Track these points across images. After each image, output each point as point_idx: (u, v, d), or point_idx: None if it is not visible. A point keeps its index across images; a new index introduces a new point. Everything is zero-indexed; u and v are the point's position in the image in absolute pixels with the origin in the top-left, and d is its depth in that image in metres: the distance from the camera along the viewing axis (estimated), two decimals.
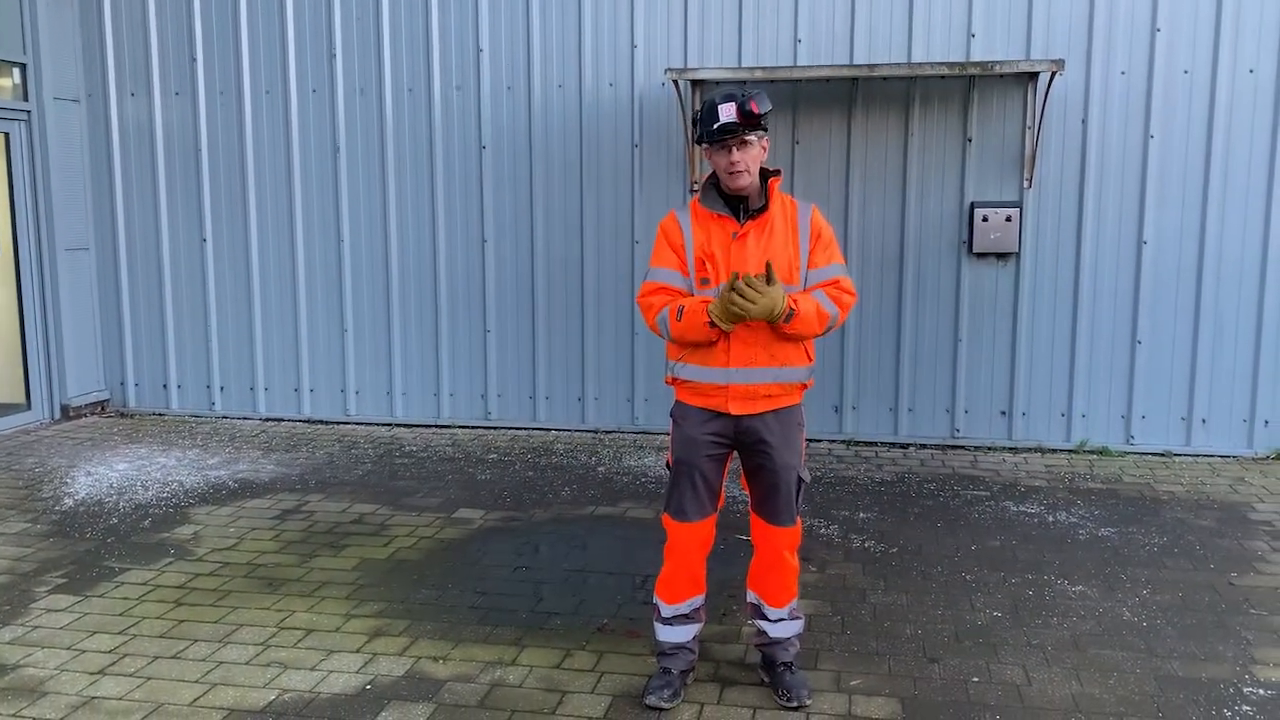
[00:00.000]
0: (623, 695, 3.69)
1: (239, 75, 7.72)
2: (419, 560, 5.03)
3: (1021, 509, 5.79)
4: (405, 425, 7.75)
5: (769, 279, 3.37)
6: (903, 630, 4.21)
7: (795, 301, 3.46)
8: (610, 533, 5.44)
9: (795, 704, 3.59)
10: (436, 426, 7.71)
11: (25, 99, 7.65)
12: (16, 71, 7.64)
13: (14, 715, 3.55)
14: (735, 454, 3.68)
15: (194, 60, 7.78)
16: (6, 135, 7.58)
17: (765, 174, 3.61)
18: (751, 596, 3.80)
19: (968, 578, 4.78)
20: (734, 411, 3.54)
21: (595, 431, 7.52)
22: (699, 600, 3.76)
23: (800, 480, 3.62)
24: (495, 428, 7.65)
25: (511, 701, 3.66)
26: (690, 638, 3.74)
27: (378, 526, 5.51)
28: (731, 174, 3.51)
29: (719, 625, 4.26)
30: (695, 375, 3.59)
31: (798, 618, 3.78)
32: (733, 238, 3.55)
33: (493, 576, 4.83)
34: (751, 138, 3.48)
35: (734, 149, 3.47)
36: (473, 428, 7.67)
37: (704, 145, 3.56)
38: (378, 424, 7.79)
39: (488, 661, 3.95)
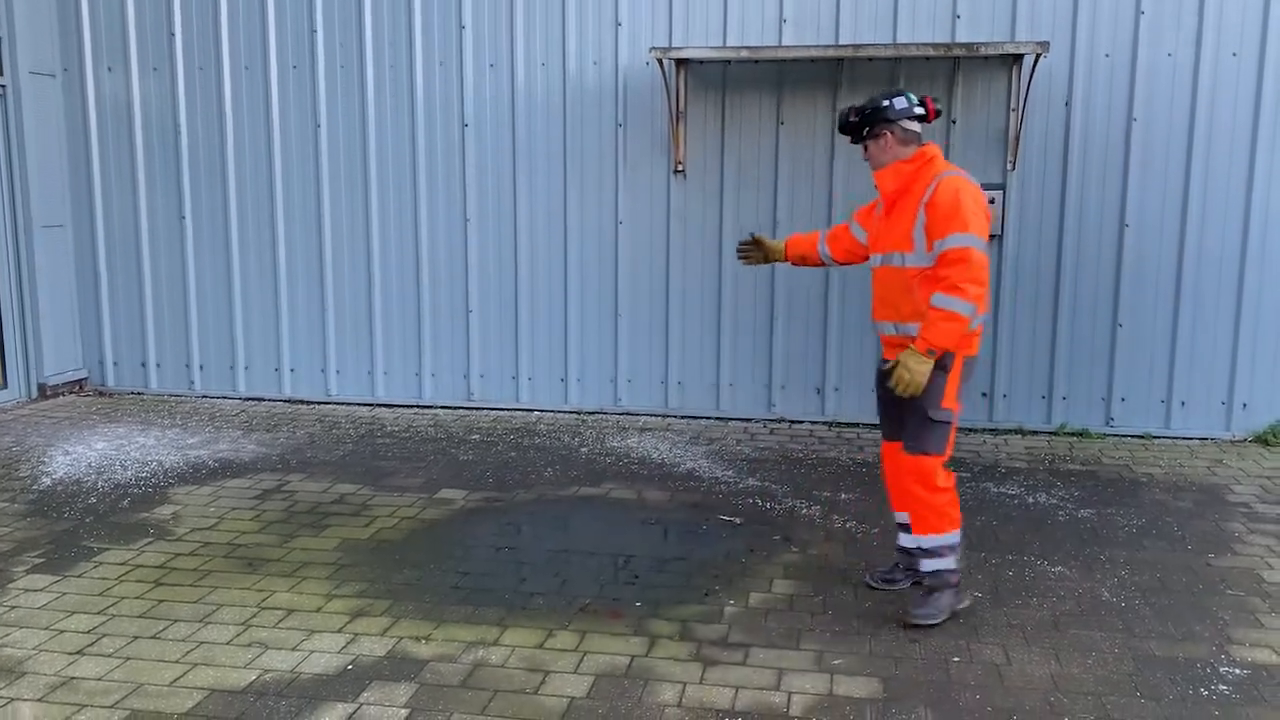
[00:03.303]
0: (605, 675, 3.70)
1: (218, 50, 7.62)
2: (401, 540, 5.01)
3: (1002, 490, 5.82)
4: (387, 405, 7.72)
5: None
6: (884, 610, 4.23)
7: (925, 338, 3.89)
8: (593, 513, 5.44)
9: (905, 619, 4.06)
10: (418, 407, 7.68)
11: (0, 74, 7.53)
12: None
13: None
14: None
15: (172, 35, 7.67)
16: None
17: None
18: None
19: None
20: None
21: (578, 412, 7.50)
22: None
23: (930, 419, 4.00)
24: (478, 408, 7.62)
25: (494, 681, 3.66)
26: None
27: (359, 507, 5.49)
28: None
29: (700, 605, 4.27)
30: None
31: (941, 556, 4.07)
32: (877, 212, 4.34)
33: (475, 557, 4.82)
34: (873, 136, 4.17)
35: (866, 145, 4.22)
36: (455, 408, 7.64)
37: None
38: (359, 404, 7.76)
39: (470, 641, 3.95)
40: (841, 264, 4.72)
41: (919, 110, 4.18)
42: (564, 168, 7.33)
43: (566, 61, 7.23)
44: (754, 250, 4.84)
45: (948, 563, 4.11)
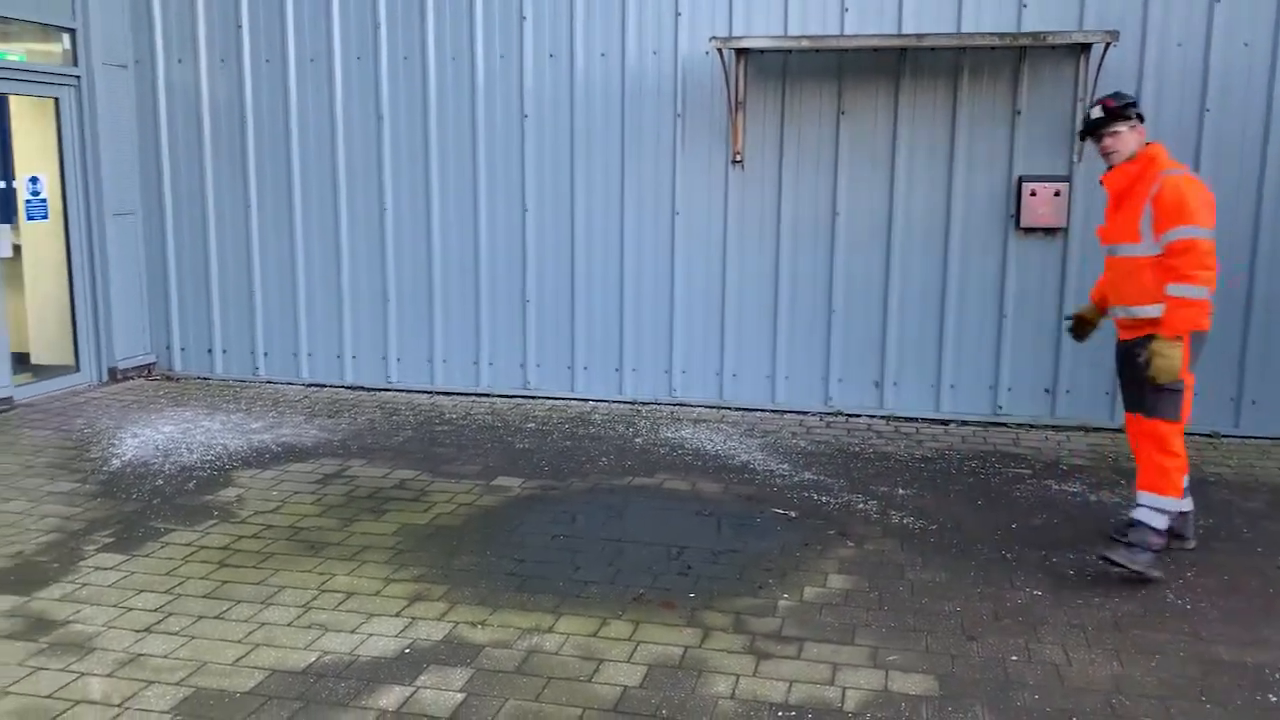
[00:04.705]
0: (659, 665, 3.71)
1: (284, 42, 7.75)
2: (458, 526, 5.07)
3: (1064, 488, 5.72)
4: (445, 393, 7.80)
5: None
6: (941, 607, 4.19)
7: (1170, 326, 4.34)
8: (647, 503, 5.45)
9: (1102, 553, 4.50)
10: (476, 395, 7.75)
11: (75, 64, 7.73)
12: (66, 37, 7.72)
13: (64, 670, 3.64)
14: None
15: (239, 27, 7.81)
16: (57, 100, 7.67)
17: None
18: None
19: (1008, 556, 4.74)
20: None
21: (633, 403, 7.52)
22: None
23: (1163, 389, 4.44)
24: (534, 397, 7.67)
25: (549, 668, 3.69)
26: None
27: (418, 492, 5.56)
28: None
29: (754, 598, 4.26)
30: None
31: (1158, 510, 4.45)
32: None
33: (530, 544, 4.85)
34: (1114, 129, 4.53)
35: (1104, 137, 4.56)
36: (511, 397, 7.70)
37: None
38: (418, 391, 7.85)
39: (525, 628, 3.98)
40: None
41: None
42: (621, 158, 7.33)
43: (626, 51, 7.22)
44: (1080, 326, 5.24)
45: (1158, 521, 4.44)
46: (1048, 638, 3.94)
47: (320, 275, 7.95)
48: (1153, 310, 4.47)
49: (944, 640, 3.91)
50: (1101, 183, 4.73)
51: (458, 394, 7.78)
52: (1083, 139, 4.86)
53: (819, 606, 4.19)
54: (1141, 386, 4.51)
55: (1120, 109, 4.53)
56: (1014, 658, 3.79)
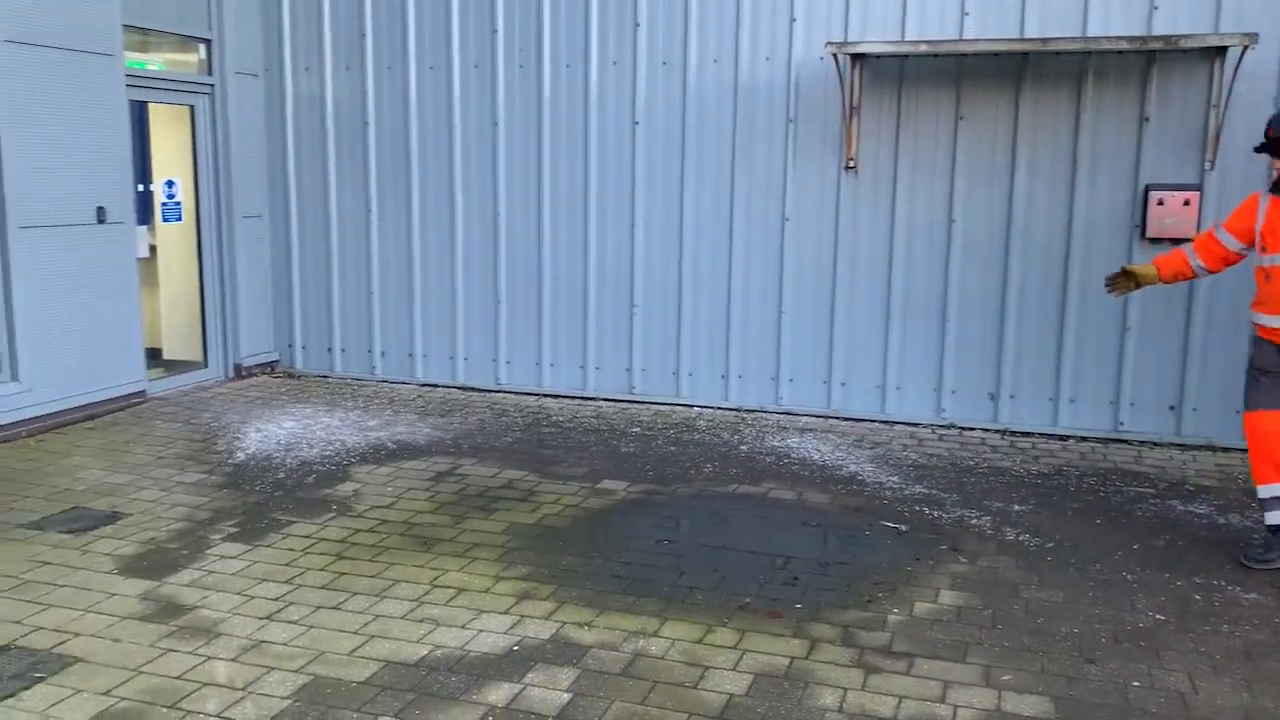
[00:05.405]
0: (765, 674, 3.68)
1: (405, 50, 7.96)
2: (565, 527, 5.13)
3: (1190, 509, 5.49)
4: (552, 395, 7.90)
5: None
6: (1057, 628, 4.06)
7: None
8: (752, 512, 5.43)
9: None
10: (582, 398, 7.83)
11: (209, 73, 8.09)
12: (202, 47, 8.08)
13: (191, 653, 3.81)
14: None
15: (364, 36, 8.06)
16: (192, 108, 8.03)
17: None
18: None
19: (1129, 578, 4.57)
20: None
21: (738, 410, 7.49)
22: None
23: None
24: (639, 402, 7.71)
25: (654, 672, 3.70)
26: None
27: (526, 492, 5.65)
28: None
29: (863, 611, 4.20)
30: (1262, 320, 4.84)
31: (1266, 506, 4.72)
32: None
33: (635, 548, 4.88)
34: None
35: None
36: (617, 401, 7.75)
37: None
38: (526, 393, 7.97)
39: (630, 631, 4.01)
40: (1214, 272, 5.20)
41: None
42: (732, 164, 7.32)
43: (739, 57, 7.21)
44: (1124, 279, 5.29)
45: None
46: (1172, 664, 3.79)
47: (435, 278, 8.14)
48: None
49: (1060, 662, 3.80)
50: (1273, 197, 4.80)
51: (564, 397, 7.87)
52: (1258, 151, 4.85)
53: (930, 622, 4.11)
54: None
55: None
56: (1135, 683, 3.65)
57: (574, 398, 7.85)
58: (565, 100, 7.63)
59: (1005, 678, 3.68)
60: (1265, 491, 4.75)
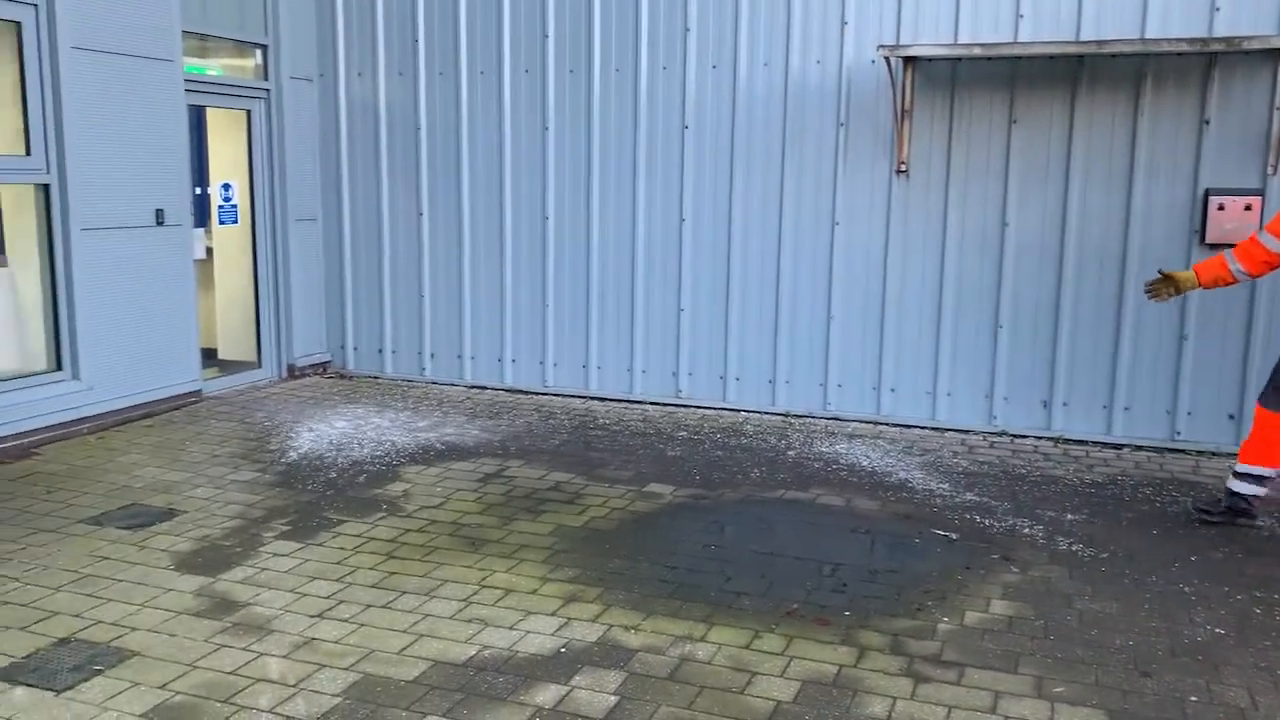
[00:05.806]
0: (812, 681, 3.66)
1: (457, 55, 8.04)
2: (611, 530, 5.14)
3: (1249, 520, 5.36)
4: (599, 398, 7.92)
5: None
6: (1112, 640, 3.99)
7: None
8: (800, 517, 5.39)
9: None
10: (628, 401, 7.84)
11: (265, 78, 8.23)
12: (259, 53, 8.22)
13: (244, 649, 3.86)
14: None
15: (416, 41, 8.15)
16: (249, 113, 8.17)
17: None
18: None
19: (1186, 590, 4.48)
20: None
21: (785, 415, 7.46)
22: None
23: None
24: (685, 405, 7.71)
25: (701, 677, 3.69)
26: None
27: (573, 495, 5.67)
28: None
29: (912, 620, 4.16)
30: None
31: (1241, 477, 5.11)
32: None
33: (682, 552, 4.87)
34: None
35: None
36: (663, 404, 7.75)
37: None
38: (573, 396, 8.00)
39: (677, 635, 4.00)
40: (1255, 277, 5.17)
41: None
42: (781, 167, 7.30)
43: (790, 61, 7.18)
44: (1163, 284, 5.30)
45: None
46: (1231, 679, 3.70)
47: (485, 281, 8.20)
48: None
49: (1115, 674, 3.73)
50: None
51: (611, 400, 7.89)
52: None
53: (980, 632, 4.06)
54: None
55: None
56: (1193, 698, 3.57)
57: (621, 401, 7.86)
58: (615, 105, 7.66)
59: (1058, 689, 3.62)
60: (1254, 470, 5.09)
